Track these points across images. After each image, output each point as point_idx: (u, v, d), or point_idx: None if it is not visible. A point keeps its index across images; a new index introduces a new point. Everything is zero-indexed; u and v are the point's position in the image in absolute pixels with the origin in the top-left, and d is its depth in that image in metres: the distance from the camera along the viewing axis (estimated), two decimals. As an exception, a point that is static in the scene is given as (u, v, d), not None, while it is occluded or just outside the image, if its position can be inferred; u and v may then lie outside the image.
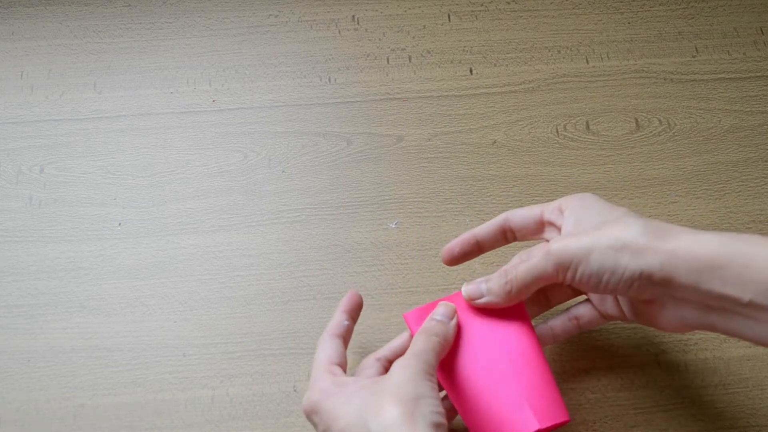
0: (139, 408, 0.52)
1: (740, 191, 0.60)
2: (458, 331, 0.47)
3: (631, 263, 0.41)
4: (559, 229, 0.47)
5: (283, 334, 0.54)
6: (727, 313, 0.41)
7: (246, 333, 0.55)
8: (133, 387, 0.53)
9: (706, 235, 0.41)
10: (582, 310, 0.49)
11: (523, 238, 0.50)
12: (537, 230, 0.49)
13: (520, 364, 0.45)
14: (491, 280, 0.47)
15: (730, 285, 0.39)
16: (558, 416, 0.44)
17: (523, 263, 0.45)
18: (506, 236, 0.50)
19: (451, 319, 0.46)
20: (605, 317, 0.49)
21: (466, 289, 0.48)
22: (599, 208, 0.46)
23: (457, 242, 0.50)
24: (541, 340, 0.49)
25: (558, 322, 0.50)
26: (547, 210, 0.48)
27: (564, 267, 0.43)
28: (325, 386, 0.43)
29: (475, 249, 0.50)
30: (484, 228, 0.50)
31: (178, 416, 0.52)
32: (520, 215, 0.49)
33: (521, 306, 0.48)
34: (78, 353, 0.54)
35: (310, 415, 0.43)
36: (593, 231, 0.43)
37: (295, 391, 0.52)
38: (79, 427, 0.51)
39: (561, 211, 0.47)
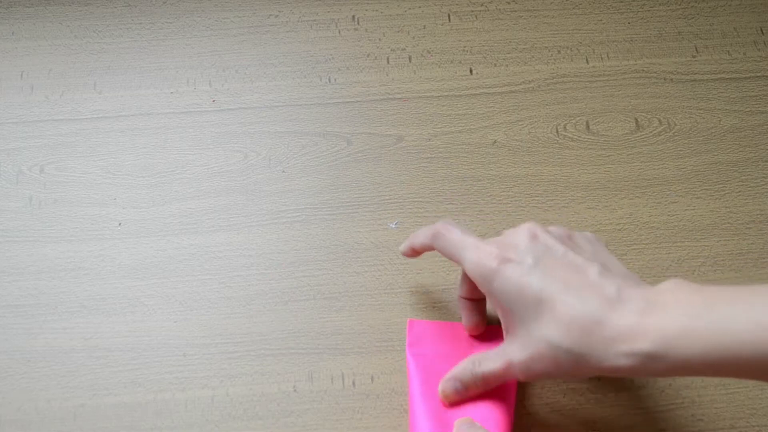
0: (139, 408, 0.52)
1: (740, 191, 0.60)
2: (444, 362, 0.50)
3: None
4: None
5: (283, 334, 0.55)
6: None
7: (246, 333, 0.55)
8: (133, 387, 0.53)
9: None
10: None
11: None
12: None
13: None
14: (461, 376, 0.48)
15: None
16: None
17: (488, 371, 0.47)
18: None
19: None
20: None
21: (442, 388, 0.49)
22: (526, 302, 0.44)
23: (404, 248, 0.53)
24: None
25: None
26: (468, 268, 0.47)
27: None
28: None
29: (415, 254, 0.53)
30: (418, 240, 0.51)
31: (178, 416, 0.52)
32: (445, 251, 0.49)
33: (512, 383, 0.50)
34: (78, 353, 0.54)
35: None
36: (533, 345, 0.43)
37: (295, 391, 0.52)
38: (79, 427, 0.51)
39: (481, 289, 0.47)
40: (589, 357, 0.41)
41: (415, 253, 0.52)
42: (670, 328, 0.39)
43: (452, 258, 0.48)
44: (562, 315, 0.42)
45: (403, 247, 0.53)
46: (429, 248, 0.51)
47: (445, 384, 0.48)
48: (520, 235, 0.46)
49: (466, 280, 0.51)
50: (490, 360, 0.46)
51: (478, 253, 0.46)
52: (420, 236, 0.51)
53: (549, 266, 0.43)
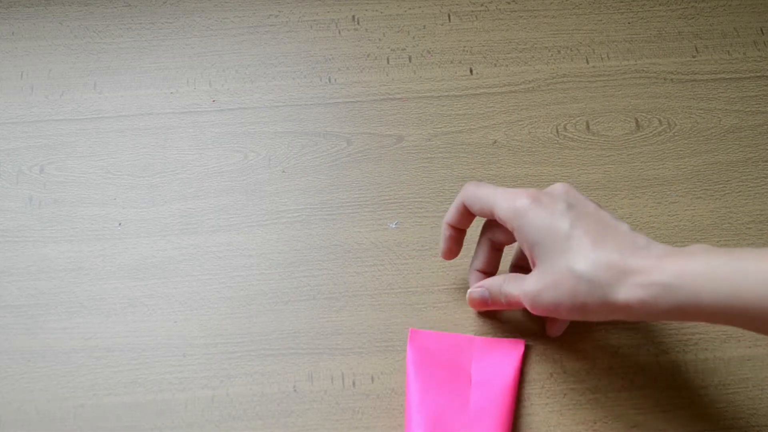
0: (139, 408, 0.52)
1: (740, 191, 0.60)
2: (451, 367, 0.52)
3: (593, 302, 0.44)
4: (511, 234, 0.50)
5: (283, 334, 0.54)
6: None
7: (246, 333, 0.55)
8: (133, 387, 0.53)
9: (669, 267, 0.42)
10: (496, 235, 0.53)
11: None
12: (491, 219, 0.51)
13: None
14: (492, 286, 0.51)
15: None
16: None
17: (509, 293, 0.49)
18: (470, 215, 0.52)
19: None
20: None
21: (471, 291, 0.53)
22: (554, 235, 0.46)
23: (442, 241, 0.54)
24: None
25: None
26: (499, 212, 0.49)
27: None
28: None
29: (455, 233, 0.53)
30: (451, 213, 0.53)
31: (178, 416, 0.52)
32: (475, 206, 0.51)
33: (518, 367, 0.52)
34: (78, 353, 0.54)
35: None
36: (555, 277, 0.45)
37: (295, 391, 0.52)
38: (79, 428, 0.51)
39: (512, 229, 0.48)
40: (606, 288, 0.43)
41: (453, 230, 0.53)
42: (690, 267, 0.41)
43: (484, 210, 0.50)
44: (590, 250, 0.44)
45: (442, 242, 0.54)
46: (462, 215, 0.52)
47: (474, 289, 0.52)
48: (554, 187, 0.48)
49: (460, 209, 0.52)
50: (514, 283, 0.49)
51: (512, 195, 0.48)
52: (450, 210, 0.52)
53: (581, 215, 0.46)
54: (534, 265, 0.47)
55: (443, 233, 0.53)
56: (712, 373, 0.53)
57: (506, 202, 0.48)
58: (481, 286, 0.52)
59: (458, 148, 0.63)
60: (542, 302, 0.46)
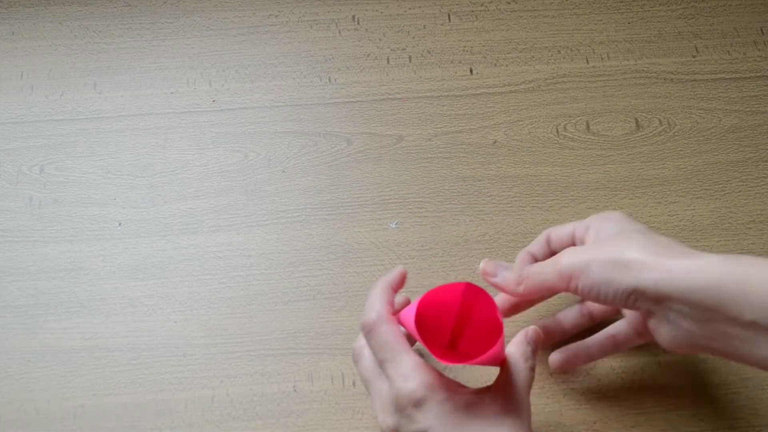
0: (140, 408, 0.52)
1: (740, 191, 0.60)
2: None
3: (625, 278, 0.42)
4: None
5: (283, 334, 0.54)
6: (725, 335, 0.40)
7: (246, 333, 0.55)
8: (133, 387, 0.53)
9: (710, 257, 0.41)
10: (618, 328, 0.50)
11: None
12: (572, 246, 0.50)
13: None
14: (510, 269, 0.48)
15: (728, 305, 0.39)
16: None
17: (536, 267, 0.47)
18: (552, 250, 0.51)
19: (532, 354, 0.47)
20: (638, 335, 0.50)
21: (485, 264, 0.49)
22: (618, 225, 0.47)
23: (519, 264, 0.50)
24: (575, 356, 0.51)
25: (595, 340, 0.51)
26: (578, 228, 0.49)
27: (567, 277, 0.44)
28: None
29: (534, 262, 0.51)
30: (535, 245, 0.51)
31: (179, 416, 0.52)
32: (558, 234, 0.51)
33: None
34: (78, 353, 0.54)
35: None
36: (598, 245, 0.45)
37: (295, 391, 0.52)
38: (79, 428, 0.51)
39: (587, 228, 0.49)
40: (654, 260, 0.42)
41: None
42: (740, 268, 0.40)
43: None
44: (646, 240, 0.43)
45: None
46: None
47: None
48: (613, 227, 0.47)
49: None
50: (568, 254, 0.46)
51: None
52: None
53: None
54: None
55: (522, 258, 0.51)
56: (713, 373, 0.53)
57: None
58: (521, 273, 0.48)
59: (458, 148, 0.63)
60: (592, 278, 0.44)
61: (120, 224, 0.59)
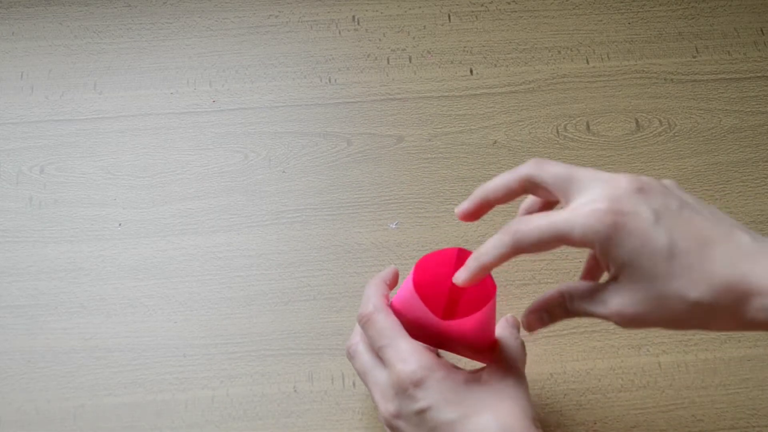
0: (139, 408, 0.52)
1: (740, 191, 0.60)
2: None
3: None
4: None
5: (283, 335, 0.54)
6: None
7: (246, 333, 0.55)
8: (133, 387, 0.53)
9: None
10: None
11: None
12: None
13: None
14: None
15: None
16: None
17: (593, 311, 0.42)
18: (524, 190, 0.45)
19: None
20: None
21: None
22: (652, 256, 0.40)
23: (471, 202, 0.45)
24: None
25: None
26: (577, 236, 0.41)
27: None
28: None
29: (486, 206, 0.46)
30: (499, 187, 0.45)
31: (179, 417, 0.52)
32: (549, 182, 0.43)
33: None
34: (78, 353, 0.54)
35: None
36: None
37: (295, 391, 0.52)
38: (79, 428, 0.51)
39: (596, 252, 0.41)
40: (729, 311, 0.39)
41: (491, 203, 0.45)
42: None
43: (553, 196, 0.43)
44: (703, 270, 0.39)
45: (471, 204, 0.45)
46: (514, 192, 0.44)
47: (531, 317, 0.44)
48: (625, 185, 0.41)
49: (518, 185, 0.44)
50: (588, 301, 0.42)
51: (591, 211, 0.40)
52: (501, 182, 0.44)
53: (671, 219, 0.40)
54: (616, 279, 0.40)
55: (478, 199, 0.45)
56: (713, 373, 0.53)
57: (585, 219, 0.40)
58: (537, 311, 0.43)
59: (458, 148, 0.63)
60: (645, 323, 0.40)
61: (120, 225, 0.59)
